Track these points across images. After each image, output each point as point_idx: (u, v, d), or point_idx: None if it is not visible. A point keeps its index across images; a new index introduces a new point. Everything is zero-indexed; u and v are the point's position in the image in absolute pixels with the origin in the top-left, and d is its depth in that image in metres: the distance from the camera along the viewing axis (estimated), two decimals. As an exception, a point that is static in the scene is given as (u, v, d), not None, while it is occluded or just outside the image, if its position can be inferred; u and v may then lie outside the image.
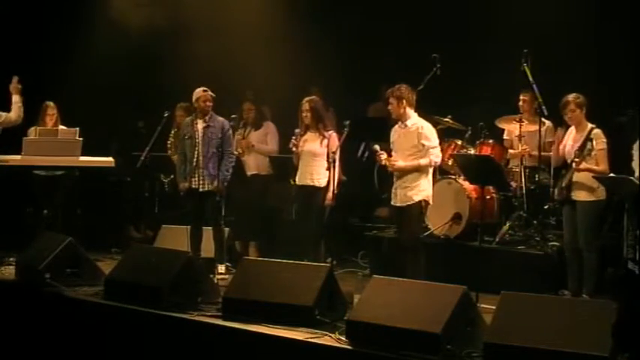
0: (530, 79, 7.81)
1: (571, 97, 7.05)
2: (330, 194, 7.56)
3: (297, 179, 7.82)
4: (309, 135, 7.74)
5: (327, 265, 6.68)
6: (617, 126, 7.92)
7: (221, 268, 7.99)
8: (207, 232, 8.16)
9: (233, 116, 8.28)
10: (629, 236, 6.98)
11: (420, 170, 7.11)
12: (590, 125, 7.02)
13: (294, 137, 7.76)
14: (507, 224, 7.97)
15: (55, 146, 8.70)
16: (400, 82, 7.28)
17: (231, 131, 8.21)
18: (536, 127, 7.87)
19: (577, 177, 6.96)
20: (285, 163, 8.35)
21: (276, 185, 9.20)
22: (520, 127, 8.01)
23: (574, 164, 6.90)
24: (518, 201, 8.01)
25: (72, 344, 6.74)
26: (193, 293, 6.59)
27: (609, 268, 7.26)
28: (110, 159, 9.03)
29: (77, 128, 8.96)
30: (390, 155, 7.29)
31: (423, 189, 7.13)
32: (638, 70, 7.38)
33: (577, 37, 8.54)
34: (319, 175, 7.62)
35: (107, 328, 6.67)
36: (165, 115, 9.05)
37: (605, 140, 6.92)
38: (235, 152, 8.50)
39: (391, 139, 7.34)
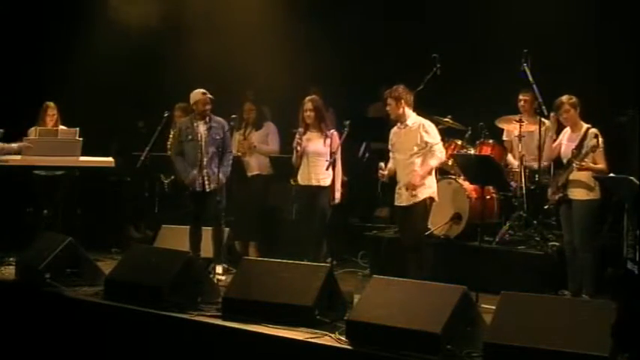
0: (530, 79, 7.81)
1: (564, 98, 7.07)
2: (337, 194, 7.61)
3: (299, 179, 7.82)
4: (310, 134, 7.75)
5: (327, 265, 6.68)
6: (617, 126, 7.93)
7: (218, 269, 8.00)
8: (207, 232, 8.16)
9: (233, 116, 8.27)
10: (629, 236, 6.98)
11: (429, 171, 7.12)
12: (585, 125, 7.03)
13: (297, 136, 7.76)
14: (507, 224, 7.97)
15: (55, 146, 8.72)
16: (400, 82, 7.28)
17: (229, 130, 8.23)
18: (536, 127, 7.87)
19: (574, 176, 6.96)
20: (286, 163, 8.35)
21: (276, 185, 9.20)
22: (520, 127, 8.02)
23: (575, 164, 6.89)
24: (518, 201, 8.01)
25: (72, 344, 6.74)
26: (193, 293, 6.59)
27: (609, 268, 7.26)
28: (110, 159, 9.04)
29: (77, 128, 8.98)
30: (387, 157, 7.29)
31: (428, 186, 7.12)
32: (638, 70, 7.38)
33: (577, 37, 8.54)
34: (324, 175, 7.63)
35: (107, 328, 6.67)
36: (165, 115, 9.05)
37: (601, 139, 6.92)
38: (234, 151, 8.51)
39: (390, 142, 7.33)
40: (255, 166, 9.02)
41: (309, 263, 6.74)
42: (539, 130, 7.80)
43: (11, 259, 8.11)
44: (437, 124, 7.89)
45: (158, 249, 8.05)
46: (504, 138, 8.54)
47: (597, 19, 8.51)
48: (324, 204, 7.65)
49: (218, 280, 7.65)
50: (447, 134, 8.27)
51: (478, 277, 6.56)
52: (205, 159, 7.98)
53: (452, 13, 9.39)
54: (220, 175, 7.92)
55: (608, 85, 8.22)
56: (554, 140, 7.36)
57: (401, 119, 7.20)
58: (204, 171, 7.99)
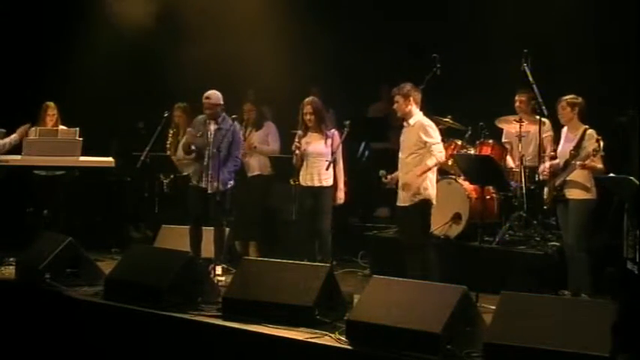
0: (530, 79, 7.81)
1: (567, 96, 7.08)
2: (341, 193, 7.62)
3: (300, 180, 7.82)
4: (311, 136, 7.74)
5: (327, 265, 6.67)
6: (617, 126, 7.92)
7: (218, 269, 8.00)
8: (207, 232, 8.16)
9: (233, 116, 8.28)
10: (629, 236, 6.97)
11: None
12: (583, 126, 7.03)
13: (296, 140, 7.76)
14: (507, 224, 7.97)
15: (55, 146, 8.72)
16: (400, 82, 7.27)
17: (241, 134, 8.23)
18: (536, 127, 7.87)
19: (572, 175, 6.96)
20: (286, 163, 8.35)
21: (276, 185, 9.20)
22: (520, 127, 8.02)
23: (576, 164, 6.89)
24: (518, 201, 8.01)
25: (72, 344, 6.75)
26: (193, 293, 6.58)
27: (609, 268, 7.26)
28: (110, 159, 9.04)
29: (77, 128, 8.97)
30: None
31: (427, 187, 7.11)
32: (638, 70, 7.38)
33: (577, 37, 8.54)
34: (326, 175, 7.64)
35: (107, 328, 6.67)
36: (165, 115, 9.05)
37: (600, 140, 6.91)
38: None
39: (401, 140, 7.33)
40: (256, 166, 9.02)
41: (309, 263, 6.75)
42: (539, 130, 7.81)
43: (11, 259, 8.09)
44: (437, 124, 7.88)
45: (158, 249, 8.06)
46: (503, 140, 8.53)
47: (597, 19, 8.51)
48: (327, 204, 7.65)
49: (218, 280, 7.64)
50: (447, 134, 8.27)
51: (478, 277, 6.56)
52: (210, 159, 8.00)
53: (452, 13, 9.39)
54: (218, 183, 7.93)
55: (608, 85, 8.22)
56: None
57: (407, 117, 7.19)
58: (209, 171, 8.01)
